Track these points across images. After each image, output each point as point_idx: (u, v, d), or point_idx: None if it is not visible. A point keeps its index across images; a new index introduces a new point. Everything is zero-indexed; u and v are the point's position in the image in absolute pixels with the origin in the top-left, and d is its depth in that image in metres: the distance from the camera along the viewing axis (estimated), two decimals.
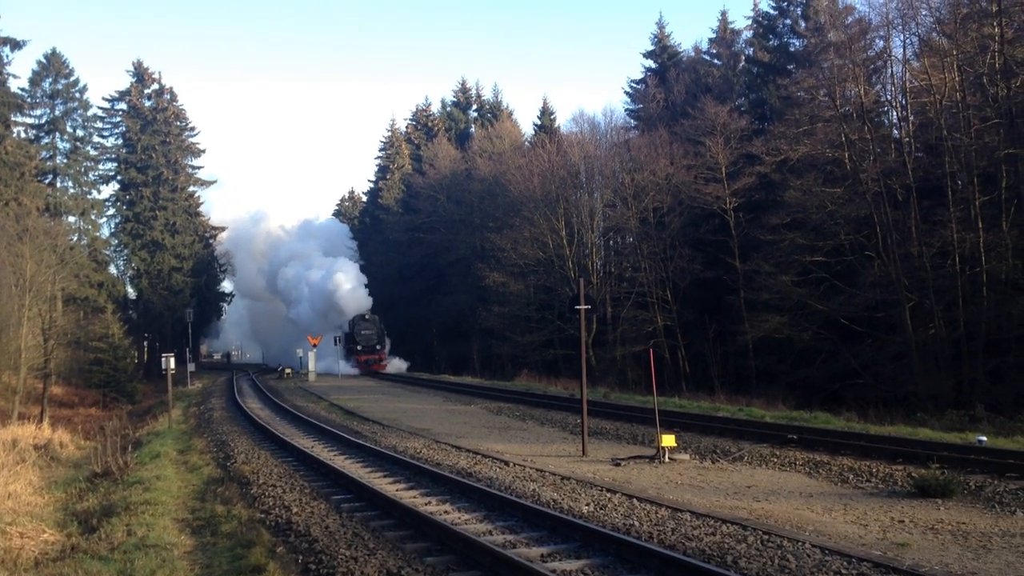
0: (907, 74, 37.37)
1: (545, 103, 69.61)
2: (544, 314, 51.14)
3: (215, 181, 79.91)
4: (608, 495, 13.34)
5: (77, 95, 61.97)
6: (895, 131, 39.10)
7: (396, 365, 64.79)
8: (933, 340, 33.61)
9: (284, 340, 73.45)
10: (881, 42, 38.72)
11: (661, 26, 58.91)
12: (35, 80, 60.17)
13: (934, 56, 35.22)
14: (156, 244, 68.75)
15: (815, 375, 37.78)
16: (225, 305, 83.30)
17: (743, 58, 53.29)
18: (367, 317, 63.79)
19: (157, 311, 68.46)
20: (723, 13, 54.91)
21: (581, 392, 19.21)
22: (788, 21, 48.99)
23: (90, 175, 65.09)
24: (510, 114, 74.09)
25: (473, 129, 73.59)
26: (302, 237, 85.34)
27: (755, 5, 51.77)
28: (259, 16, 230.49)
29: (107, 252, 66.30)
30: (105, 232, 68.09)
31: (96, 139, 66.94)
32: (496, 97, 76.85)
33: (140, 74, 70.84)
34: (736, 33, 54.54)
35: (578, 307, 18.60)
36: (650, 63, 58.76)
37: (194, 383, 52.11)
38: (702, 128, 45.07)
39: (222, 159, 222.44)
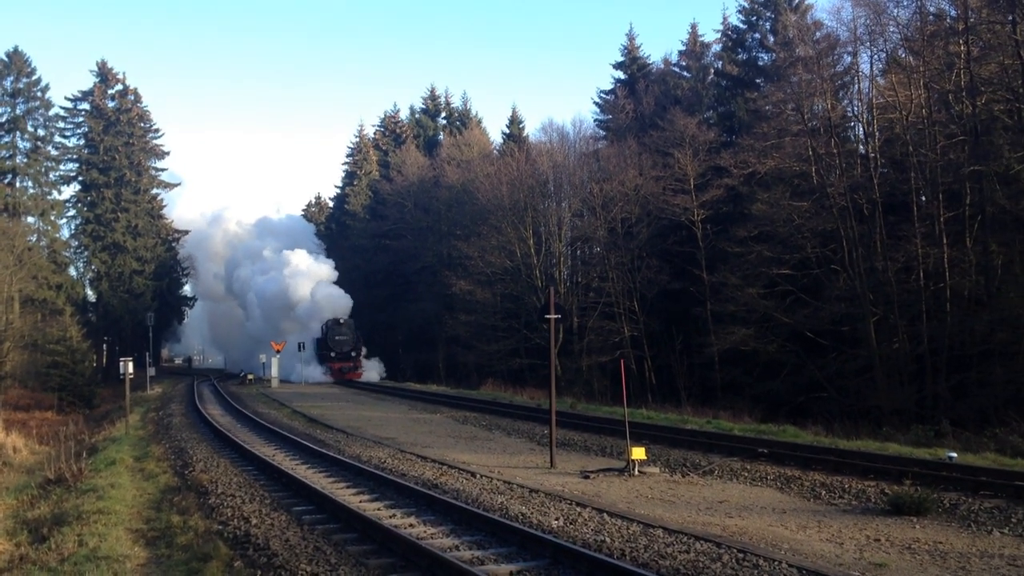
0: (874, 90, 37.71)
1: (514, 112, 69.42)
2: (511, 323, 50.91)
3: (179, 183, 78.77)
4: (578, 509, 13.06)
5: (39, 94, 61.01)
6: (861, 146, 39.41)
7: (372, 372, 61.95)
8: (897, 355, 33.80)
9: (245, 345, 72.26)
10: (849, 58, 39.09)
11: (631, 37, 59.16)
12: None
13: (901, 73, 35.56)
14: (117, 246, 67.67)
15: (780, 388, 37.87)
16: (187, 309, 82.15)
17: (712, 71, 53.54)
18: (342, 321, 60.37)
19: (117, 314, 67.36)
20: (693, 26, 55.21)
21: (550, 402, 18.93)
22: (757, 35, 49.35)
23: (51, 175, 64.12)
24: (479, 122, 74.01)
25: (442, 136, 73.36)
26: (260, 235, 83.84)
27: (724, 19, 52.05)
28: (226, 19, 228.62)
29: (67, 254, 65.23)
30: (65, 233, 67.14)
31: (57, 139, 66.03)
32: (465, 105, 76.82)
33: (104, 74, 69.84)
34: (706, 46, 54.79)
35: (548, 316, 18.35)
36: (620, 74, 58.92)
37: (154, 388, 51.18)
38: (671, 140, 45.16)
39: (186, 162, 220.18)
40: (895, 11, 35.59)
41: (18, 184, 60.05)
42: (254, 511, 13.82)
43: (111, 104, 69.30)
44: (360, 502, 14.21)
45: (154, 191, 72.94)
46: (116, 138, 68.00)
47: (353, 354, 60.01)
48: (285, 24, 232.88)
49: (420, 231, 63.08)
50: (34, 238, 58.26)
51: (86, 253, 68.05)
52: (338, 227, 79.20)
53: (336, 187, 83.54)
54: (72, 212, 68.69)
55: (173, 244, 75.75)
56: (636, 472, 16.63)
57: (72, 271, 66.27)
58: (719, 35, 52.67)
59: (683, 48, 55.96)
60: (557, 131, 54.40)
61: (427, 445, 22.10)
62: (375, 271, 69.28)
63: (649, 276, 44.87)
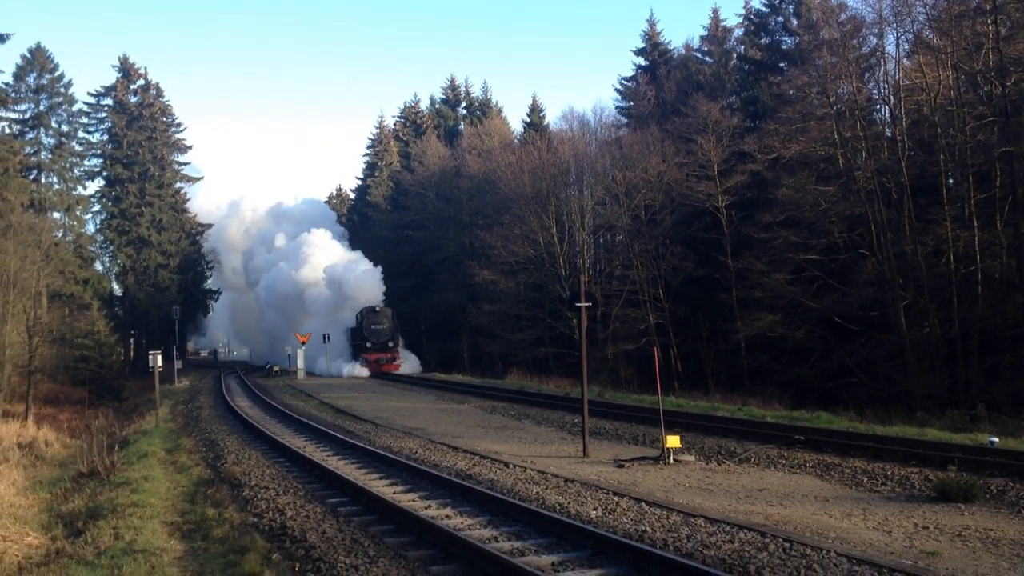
0: (900, 72, 37.16)
1: (535, 101, 69.30)
2: (535, 312, 50.76)
3: (201, 177, 78.95)
4: (615, 499, 12.92)
5: (62, 90, 61.16)
6: (888, 129, 38.86)
7: (410, 364, 58.56)
8: (927, 339, 33.40)
9: (270, 337, 72.38)
10: (874, 39, 38.48)
11: (652, 23, 58.70)
12: (19, 75, 59.29)
13: (928, 54, 35.01)
14: (142, 240, 68.04)
15: (808, 374, 37.53)
16: (212, 302, 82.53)
17: (735, 56, 53.05)
18: (378, 309, 56.79)
19: (143, 308, 67.74)
20: (715, 11, 55.07)
21: (582, 390, 18.79)
22: (780, 19, 48.77)
23: (75, 171, 64.30)
24: (499, 112, 73.70)
25: (462, 127, 73.14)
26: (276, 222, 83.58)
27: (747, 3, 51.46)
28: (247, 11, 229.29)
29: (92, 248, 65.50)
30: (90, 228, 67.44)
31: (81, 135, 66.15)
32: (485, 95, 76.48)
33: (126, 69, 70.07)
34: (728, 31, 54.30)
35: (578, 304, 18.19)
36: (641, 61, 58.49)
37: (181, 381, 51.51)
38: (694, 126, 44.78)
39: (207, 155, 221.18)
40: None
41: (43, 180, 60.36)
42: (289, 503, 13.79)
43: (133, 99, 69.55)
44: (394, 493, 14.14)
45: (177, 185, 73.20)
46: (139, 133, 68.28)
47: (391, 344, 56.44)
48: (304, 15, 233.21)
49: (442, 221, 62.97)
50: (60, 233, 58.54)
51: (111, 248, 68.43)
52: (360, 219, 79.23)
53: (357, 179, 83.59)
54: (97, 207, 69.09)
55: (197, 238, 76.03)
56: (671, 460, 16.47)
57: (98, 266, 66.69)
58: (741, 19, 52.24)
59: (705, 33, 55.54)
60: (578, 119, 54.15)
61: (457, 435, 22.03)
62: (398, 262, 69.28)
63: (674, 263, 44.60)
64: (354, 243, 74.41)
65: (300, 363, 53.40)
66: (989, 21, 32.72)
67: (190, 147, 75.26)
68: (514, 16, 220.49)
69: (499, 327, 52.14)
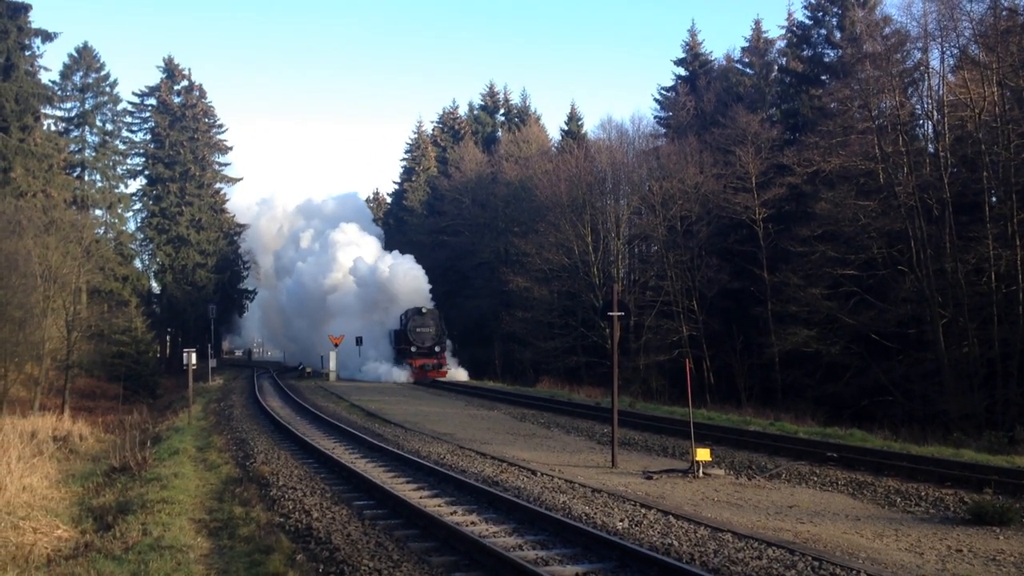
0: (944, 87, 36.66)
1: (573, 109, 69.24)
2: (567, 320, 50.65)
3: (241, 179, 79.84)
4: (643, 511, 12.78)
5: (107, 89, 62.12)
6: (931, 145, 38.36)
7: (459, 370, 54.86)
8: (966, 359, 32.86)
9: (294, 341, 72.38)
10: (919, 54, 38.00)
11: (693, 34, 58.53)
12: (66, 73, 60.33)
13: (973, 69, 34.53)
14: (181, 239, 68.86)
15: (843, 390, 37.08)
16: (247, 302, 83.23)
17: (776, 67, 52.67)
18: (425, 311, 53.30)
19: (180, 306, 68.55)
20: (756, 22, 54.49)
21: (612, 400, 18.67)
22: (823, 31, 48.32)
23: (118, 169, 65.26)
24: (537, 119, 73.74)
25: (500, 133, 73.27)
26: (307, 219, 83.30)
27: (790, 15, 51.18)
28: (287, 15, 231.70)
29: (132, 246, 66.37)
30: (131, 226, 68.36)
31: (125, 134, 67.23)
32: (524, 102, 76.57)
33: (170, 70, 71.05)
34: (769, 42, 53.96)
35: (611, 313, 18.08)
36: (681, 71, 58.32)
37: (215, 379, 51.94)
38: (732, 137, 44.53)
39: (244, 155, 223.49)
40: (968, 6, 34.50)
41: (87, 177, 61.31)
42: (315, 504, 13.80)
43: (177, 100, 70.49)
44: (420, 498, 14.11)
45: (217, 185, 74.01)
46: (181, 133, 69.16)
47: (437, 349, 52.87)
48: (345, 20, 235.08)
49: (477, 227, 63.08)
50: (102, 231, 59.40)
51: (151, 246, 69.34)
52: (396, 222, 79.62)
53: (394, 183, 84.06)
54: (138, 205, 70.10)
55: (234, 238, 76.77)
56: (700, 474, 16.30)
57: (137, 263, 67.53)
58: (783, 31, 51.89)
59: (746, 45, 55.24)
60: (616, 128, 54.11)
61: (485, 442, 21.98)
62: (432, 267, 69.32)
63: (709, 275, 44.33)
64: (389, 247, 74.60)
65: (332, 365, 53.54)
66: None
67: (231, 148, 76.38)
68: (554, 24, 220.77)
69: (531, 335, 52.08)
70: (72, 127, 60.98)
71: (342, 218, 77.95)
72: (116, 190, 63.75)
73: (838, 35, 46.82)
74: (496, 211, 61.76)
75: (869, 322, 36.05)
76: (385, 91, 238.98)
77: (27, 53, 50.40)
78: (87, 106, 61.12)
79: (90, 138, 61.80)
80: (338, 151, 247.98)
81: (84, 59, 60.67)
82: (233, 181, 77.28)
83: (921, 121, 39.67)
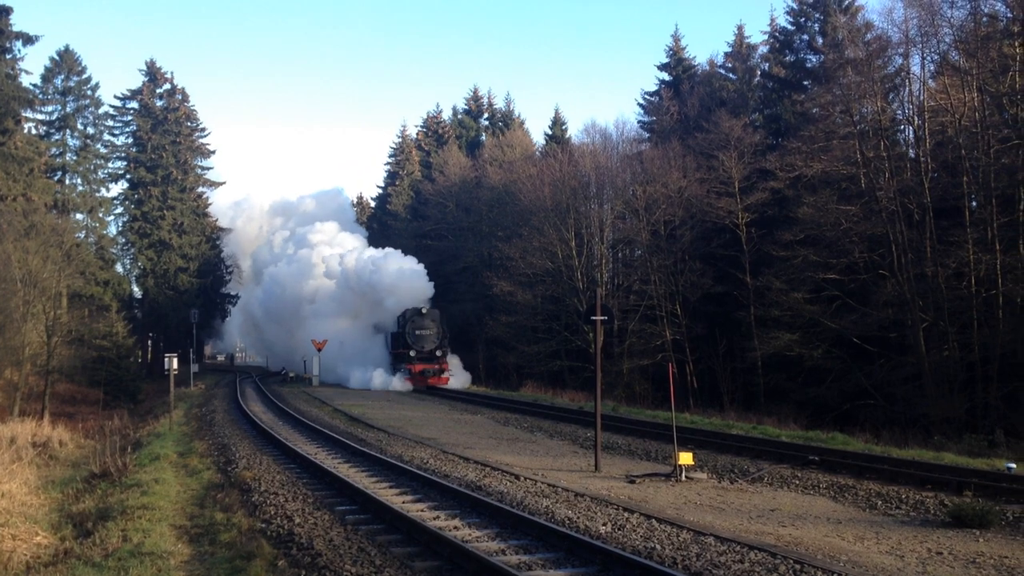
0: (925, 93, 36.93)
1: (557, 113, 69.48)
2: (551, 324, 50.67)
3: (224, 183, 79.40)
4: (626, 515, 12.80)
5: (89, 93, 61.64)
6: (912, 150, 38.65)
7: (460, 376, 51.61)
8: (947, 362, 33.07)
9: (281, 343, 71.74)
10: (900, 60, 38.29)
11: (676, 39, 58.62)
12: (47, 76, 59.83)
13: (954, 75, 34.80)
14: (163, 244, 68.42)
15: (825, 394, 37.23)
16: (230, 307, 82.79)
17: (758, 73, 52.89)
18: (424, 311, 49.61)
19: (162, 311, 68.10)
20: (739, 27, 54.65)
21: (596, 405, 18.69)
22: (805, 37, 48.59)
23: (99, 173, 64.71)
24: (521, 123, 73.78)
25: (484, 137, 73.26)
26: (276, 219, 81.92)
27: (772, 20, 51.41)
28: (271, 19, 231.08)
29: (114, 250, 65.90)
30: (112, 230, 67.83)
31: (106, 137, 66.68)
32: (508, 106, 76.60)
33: (152, 73, 70.66)
34: (752, 48, 54.18)
35: (594, 317, 18.09)
36: (664, 76, 58.43)
37: (197, 384, 51.67)
38: (716, 142, 44.68)
39: (227, 159, 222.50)
40: (948, 12, 34.78)
41: (67, 181, 60.76)
42: (297, 510, 13.75)
43: (159, 103, 70.06)
44: (403, 503, 14.08)
45: (199, 189, 73.63)
46: (163, 137, 68.76)
47: (439, 354, 49.27)
48: (329, 25, 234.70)
49: (461, 231, 63.04)
50: (82, 235, 58.95)
51: (133, 250, 68.83)
52: (380, 226, 79.45)
53: (378, 187, 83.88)
54: (120, 209, 69.51)
55: (217, 242, 76.39)
56: (683, 477, 16.33)
57: (119, 267, 66.97)
58: (766, 36, 52.11)
59: (729, 50, 55.44)
60: (600, 132, 54.17)
61: (469, 446, 21.96)
62: None
63: (692, 279, 44.44)
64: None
65: (315, 370, 53.31)
66: (1016, 43, 32.51)
67: (213, 152, 75.85)
68: (539, 28, 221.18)
69: (515, 339, 52.03)
70: (53, 130, 60.50)
71: (321, 217, 77.26)
72: (97, 194, 63.26)
73: (820, 41, 47.08)
74: (480, 215, 61.73)
75: (851, 326, 36.23)
76: (369, 95, 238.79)
77: (8, 56, 49.95)
78: (68, 109, 60.65)
79: (71, 141, 61.33)
80: (322, 155, 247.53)
81: (65, 62, 60.23)
82: (216, 185, 76.97)
83: (902, 126, 39.95)
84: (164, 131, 68.90)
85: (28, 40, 51.37)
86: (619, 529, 11.87)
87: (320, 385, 51.54)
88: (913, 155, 37.79)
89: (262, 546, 11.35)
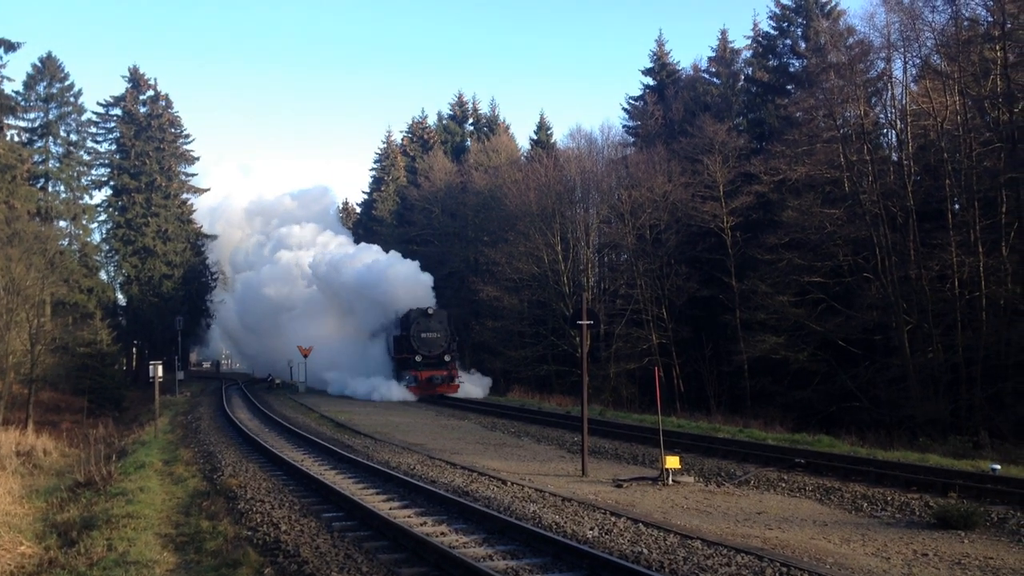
0: (907, 96, 37.16)
1: (542, 118, 69.37)
2: (538, 329, 50.68)
3: (208, 189, 78.63)
4: (613, 519, 12.81)
5: (71, 99, 61.34)
6: (894, 153, 38.87)
7: (474, 384, 47.18)
8: (931, 364, 33.26)
9: (265, 351, 71.20)
10: (882, 64, 38.48)
11: (660, 43, 58.83)
12: (29, 83, 59.49)
13: (935, 79, 35.05)
14: (147, 251, 68.03)
15: (811, 397, 37.37)
16: (215, 313, 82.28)
17: (742, 77, 53.11)
18: (431, 312, 45.58)
19: (147, 318, 67.66)
20: (723, 32, 54.80)
21: (582, 409, 18.70)
22: (788, 41, 48.87)
23: (82, 180, 64.35)
24: (507, 128, 73.82)
25: (469, 143, 73.28)
26: (250, 221, 79.79)
27: (755, 25, 51.70)
28: (256, 23, 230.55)
29: (98, 258, 65.46)
30: (96, 237, 67.41)
31: (89, 144, 66.28)
32: (493, 111, 76.67)
33: (136, 80, 70.32)
34: (735, 52, 54.37)
35: (580, 322, 18.12)
36: (649, 80, 58.59)
37: (182, 392, 51.41)
38: (700, 146, 44.83)
39: (214, 169, 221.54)
40: (930, 16, 35.04)
41: (50, 188, 60.45)
42: (284, 517, 13.69)
43: (143, 110, 69.71)
44: (390, 509, 14.05)
45: (184, 196, 73.26)
46: (147, 143, 68.41)
47: (447, 359, 45.39)
48: (313, 31, 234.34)
49: (447, 237, 63.02)
50: (66, 242, 58.64)
51: (117, 257, 68.41)
52: (365, 232, 79.29)
53: (364, 192, 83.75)
54: (103, 216, 69.09)
55: (202, 248, 76.02)
56: (670, 481, 16.36)
57: (103, 275, 66.55)
58: (749, 41, 52.37)
59: (713, 54, 55.56)
60: (585, 137, 54.21)
61: (456, 451, 21.93)
62: None
63: (678, 283, 44.56)
64: None
65: (302, 376, 53.10)
66: (997, 47, 32.75)
67: (197, 158, 75.32)
68: (523, 34, 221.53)
69: (502, 344, 52.01)
70: (36, 137, 60.15)
71: (304, 217, 76.48)
72: (81, 201, 62.92)
73: (803, 45, 47.35)
74: (466, 220, 61.72)
75: (836, 329, 36.39)
76: (354, 101, 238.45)
77: None
78: (51, 116, 60.32)
79: (54, 149, 61.00)
80: (307, 161, 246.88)
81: (48, 69, 59.92)
82: (200, 191, 76.60)
83: (885, 130, 40.18)
84: (148, 137, 68.55)
85: (10, 47, 51.16)
86: (606, 534, 11.88)
87: (306, 392, 51.32)
88: (896, 158, 38.01)
89: (248, 554, 11.30)
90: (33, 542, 14.34)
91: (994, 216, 32.75)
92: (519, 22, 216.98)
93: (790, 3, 48.15)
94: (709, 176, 43.50)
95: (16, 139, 57.05)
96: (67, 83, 61.11)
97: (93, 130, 67.27)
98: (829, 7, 47.36)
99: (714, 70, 54.99)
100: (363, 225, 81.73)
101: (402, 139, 79.92)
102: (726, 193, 43.17)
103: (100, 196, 69.47)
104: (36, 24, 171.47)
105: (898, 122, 37.54)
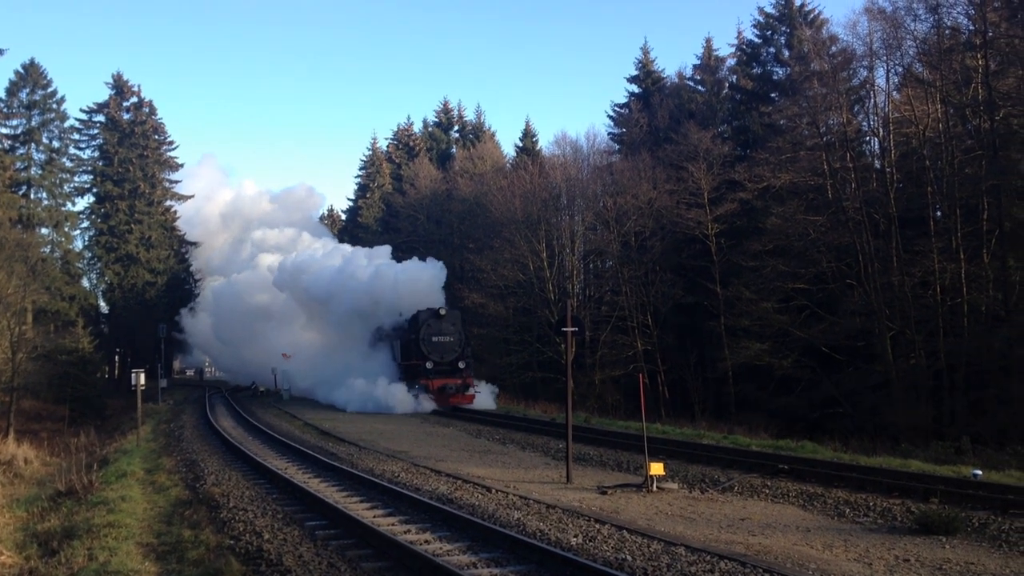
0: (890, 104, 37.48)
1: (528, 125, 69.49)
2: (523, 336, 50.68)
3: (192, 196, 78.07)
4: (597, 526, 12.80)
5: (54, 106, 60.97)
6: (877, 161, 39.17)
7: (486, 394, 41.01)
8: (914, 370, 33.48)
9: (246, 360, 70.41)
10: (865, 72, 38.85)
11: (645, 51, 59.06)
12: (12, 90, 59.18)
13: (918, 87, 35.37)
14: (130, 258, 67.58)
15: (795, 403, 37.53)
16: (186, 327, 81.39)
17: (727, 85, 53.40)
18: (443, 313, 40.51)
19: (129, 326, 67.19)
20: (707, 40, 55.12)
21: (566, 416, 18.68)
22: (772, 50, 49.21)
23: (65, 187, 63.90)
24: (492, 135, 73.95)
25: (455, 150, 73.35)
26: (226, 225, 78.87)
27: (739, 33, 52.02)
28: (241, 31, 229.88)
29: (80, 265, 65.02)
30: (79, 245, 66.86)
31: (72, 151, 65.77)
32: (478, 118, 76.78)
33: (119, 87, 69.96)
34: (720, 60, 54.68)
35: (565, 329, 18.12)
36: (634, 88, 58.82)
37: (166, 399, 51.04)
38: (685, 153, 45.02)
39: (196, 175, 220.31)
40: (912, 25, 35.38)
41: (32, 196, 60.04)
42: (266, 526, 13.61)
43: (126, 116, 69.34)
44: (374, 517, 13.99)
45: (167, 203, 72.85)
46: (131, 150, 68.01)
47: (462, 365, 40.12)
48: (298, 37, 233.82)
49: (433, 244, 62.94)
50: (48, 249, 58.24)
51: (99, 264, 67.93)
52: (351, 240, 79.06)
53: (349, 200, 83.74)
54: (86, 223, 68.59)
55: (185, 255, 75.59)
56: (655, 488, 16.36)
57: (85, 282, 66.11)
58: (734, 49, 52.72)
59: (698, 62, 55.90)
60: (571, 144, 54.35)
61: (441, 459, 21.87)
62: None
63: (663, 290, 44.68)
64: None
65: (285, 384, 52.83)
66: (979, 56, 33.09)
67: (181, 165, 74.91)
68: (509, 41, 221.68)
69: (487, 351, 51.96)
70: (18, 144, 59.75)
71: (283, 220, 75.93)
72: (63, 208, 62.50)
73: (786, 53, 47.67)
74: (451, 227, 61.74)
75: (820, 335, 36.56)
76: (339, 108, 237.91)
77: None
78: (33, 123, 59.94)
79: (36, 156, 60.58)
80: (292, 168, 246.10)
81: (31, 76, 59.59)
82: (184, 198, 76.17)
83: (868, 138, 40.50)
84: (131, 144, 68.17)
85: None
86: (590, 540, 11.87)
87: (290, 399, 51.03)
88: (878, 166, 38.29)
89: (231, 563, 11.22)
90: (13, 552, 14.20)
91: (976, 223, 33.04)
92: (504, 29, 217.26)
93: (774, 12, 48.53)
94: (694, 183, 43.68)
95: None
96: (50, 90, 60.79)
97: (76, 137, 66.82)
98: (812, 16, 47.72)
99: (699, 78, 55.26)
100: (348, 232, 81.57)
101: (387, 146, 79.92)
102: (711, 200, 43.34)
103: (83, 203, 69.05)
104: (19, 30, 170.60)
105: (880, 130, 37.85)
